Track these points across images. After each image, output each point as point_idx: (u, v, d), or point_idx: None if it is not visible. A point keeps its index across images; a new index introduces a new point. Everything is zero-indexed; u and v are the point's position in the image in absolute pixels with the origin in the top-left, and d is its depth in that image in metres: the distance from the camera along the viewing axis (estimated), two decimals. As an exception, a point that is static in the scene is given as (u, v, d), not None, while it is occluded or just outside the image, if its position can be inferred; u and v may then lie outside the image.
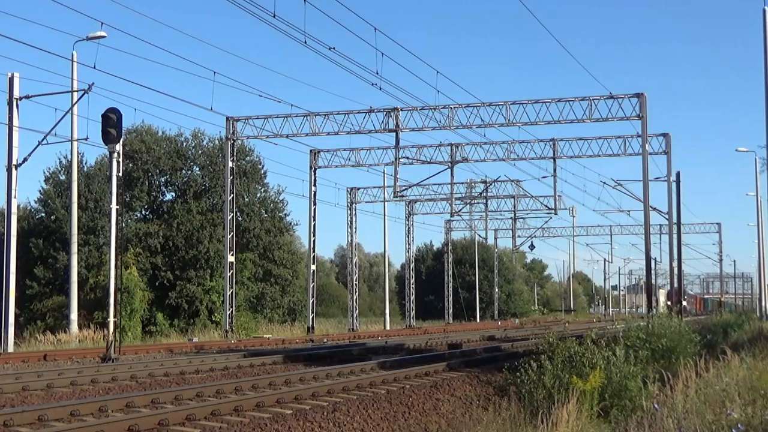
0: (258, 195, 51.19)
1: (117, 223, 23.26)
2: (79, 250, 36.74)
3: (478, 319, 70.33)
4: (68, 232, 35.65)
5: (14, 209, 28.66)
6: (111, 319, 22.20)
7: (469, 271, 76.10)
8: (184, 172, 48.25)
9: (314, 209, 43.01)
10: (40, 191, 45.12)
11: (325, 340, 33.72)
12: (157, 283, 45.00)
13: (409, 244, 58.95)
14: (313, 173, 42.95)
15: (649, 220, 33.40)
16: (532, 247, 65.01)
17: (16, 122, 28.35)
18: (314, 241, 43.45)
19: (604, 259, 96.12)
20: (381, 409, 12.43)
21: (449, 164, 40.37)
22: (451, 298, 65.83)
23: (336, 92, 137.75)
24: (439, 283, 70.20)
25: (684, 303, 33.54)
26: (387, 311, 55.84)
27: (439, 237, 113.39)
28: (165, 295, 45.01)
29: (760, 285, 64.39)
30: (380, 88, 29.14)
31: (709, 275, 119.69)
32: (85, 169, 44.82)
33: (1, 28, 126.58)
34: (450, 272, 66.22)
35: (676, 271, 41.96)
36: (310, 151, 42.69)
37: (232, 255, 36.51)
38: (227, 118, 37.01)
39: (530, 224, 64.84)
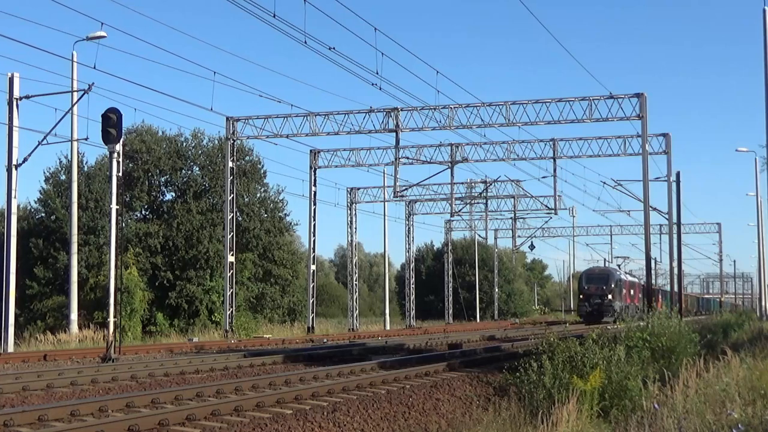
0: (258, 195, 51.21)
1: (117, 223, 23.25)
2: (79, 250, 36.74)
3: (478, 319, 70.30)
4: (68, 232, 35.64)
5: (14, 209, 28.64)
6: (111, 319, 22.18)
7: (469, 271, 76.07)
8: (184, 172, 48.27)
9: (314, 209, 43.02)
10: (40, 191, 45.18)
11: (325, 340, 33.68)
12: (157, 283, 45.00)
13: (409, 244, 58.97)
14: (313, 173, 42.96)
15: (649, 220, 33.41)
16: (532, 247, 65.04)
17: (16, 122, 28.34)
18: (314, 241, 43.48)
19: (604, 259, 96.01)
20: (381, 409, 12.42)
21: (449, 164, 40.39)
22: (451, 298, 65.80)
23: (336, 92, 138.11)
24: (439, 283, 70.18)
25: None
26: (387, 311, 55.82)
27: (439, 237, 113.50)
28: (165, 295, 45.02)
29: (760, 285, 64.39)
30: (380, 88, 29.21)
31: (709, 275, 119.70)
32: (85, 169, 44.81)
33: (1, 28, 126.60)
34: (450, 272, 66.19)
35: (676, 271, 41.97)
36: (310, 151, 42.71)
37: (232, 255, 36.53)
38: (227, 118, 37.03)
39: (530, 224, 64.94)
